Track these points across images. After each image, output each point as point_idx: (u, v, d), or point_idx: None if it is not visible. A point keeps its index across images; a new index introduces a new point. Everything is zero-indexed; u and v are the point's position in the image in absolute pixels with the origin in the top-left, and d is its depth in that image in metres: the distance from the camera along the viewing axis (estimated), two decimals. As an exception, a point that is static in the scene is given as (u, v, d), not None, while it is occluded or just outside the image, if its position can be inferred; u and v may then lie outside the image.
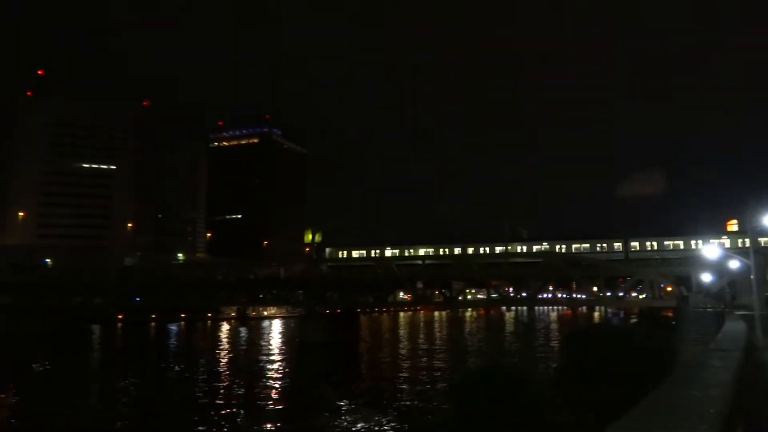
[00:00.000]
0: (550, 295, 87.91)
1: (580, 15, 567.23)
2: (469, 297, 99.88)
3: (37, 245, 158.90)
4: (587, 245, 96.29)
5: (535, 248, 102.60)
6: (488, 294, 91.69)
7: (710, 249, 52.82)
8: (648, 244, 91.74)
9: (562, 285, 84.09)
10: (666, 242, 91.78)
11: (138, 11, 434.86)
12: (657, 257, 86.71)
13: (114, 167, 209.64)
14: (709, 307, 43.89)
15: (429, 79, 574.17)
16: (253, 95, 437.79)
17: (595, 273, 73.51)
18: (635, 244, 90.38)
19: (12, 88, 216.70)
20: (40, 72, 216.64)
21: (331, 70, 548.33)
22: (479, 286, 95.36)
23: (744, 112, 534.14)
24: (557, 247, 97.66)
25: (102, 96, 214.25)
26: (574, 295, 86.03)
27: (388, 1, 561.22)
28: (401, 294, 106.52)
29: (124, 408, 36.90)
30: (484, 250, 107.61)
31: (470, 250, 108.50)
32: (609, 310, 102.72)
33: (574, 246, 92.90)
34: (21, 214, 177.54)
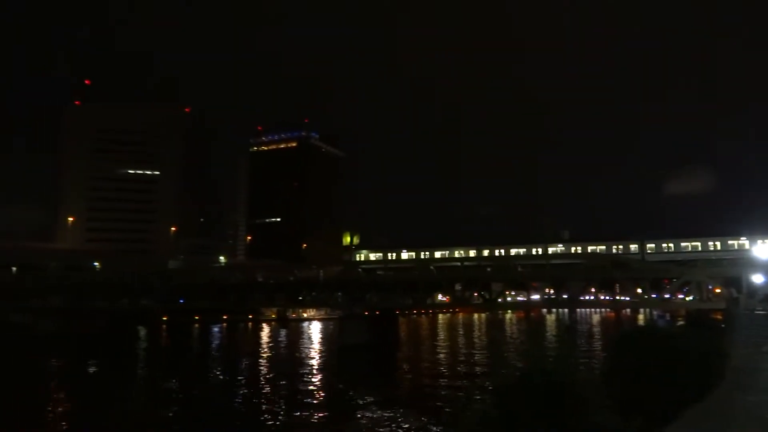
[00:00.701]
0: (592, 297, 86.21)
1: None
2: (508, 299, 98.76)
3: (86, 249, 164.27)
4: (635, 246, 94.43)
5: (573, 249, 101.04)
6: (528, 296, 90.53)
7: (762, 249, 50.95)
8: (690, 244, 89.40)
9: (605, 286, 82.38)
10: (710, 243, 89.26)
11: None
12: (703, 258, 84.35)
13: (158, 172, 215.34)
14: (761, 310, 42.32)
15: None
16: (283, 99, 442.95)
17: (640, 274, 71.74)
18: (685, 244, 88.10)
19: (60, 96, 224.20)
20: (86, 81, 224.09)
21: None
22: (519, 288, 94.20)
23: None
24: (598, 248, 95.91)
25: (139, 100, 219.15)
26: (617, 297, 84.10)
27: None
28: (440, 296, 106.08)
29: (170, 406, 37.77)
30: (525, 252, 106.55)
31: (510, 252, 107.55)
32: (655, 312, 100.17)
33: (614, 247, 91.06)
34: (71, 219, 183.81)
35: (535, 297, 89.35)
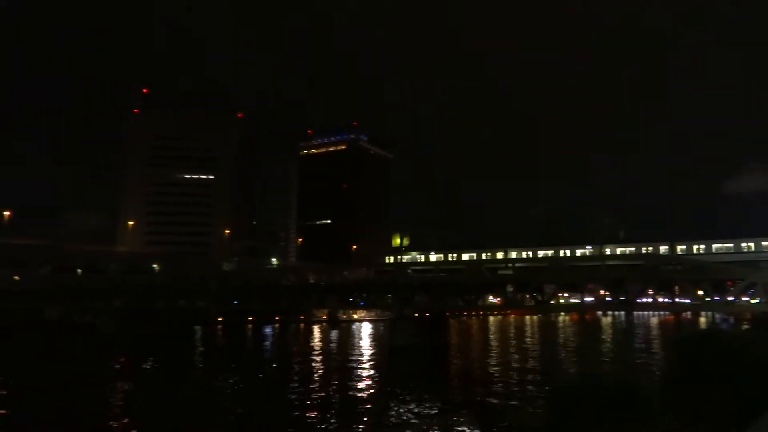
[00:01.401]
0: (650, 300, 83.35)
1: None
2: (561, 301, 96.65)
3: (145, 252, 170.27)
4: (698, 246, 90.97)
5: (629, 250, 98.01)
6: (582, 298, 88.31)
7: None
8: (751, 244, 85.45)
9: (664, 288, 79.49)
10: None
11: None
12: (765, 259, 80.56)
13: (212, 177, 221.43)
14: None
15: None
16: (333, 101, 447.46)
17: (701, 275, 68.91)
18: (750, 245, 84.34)
19: (118, 105, 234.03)
20: (144, 90, 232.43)
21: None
22: (572, 290, 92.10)
23: None
24: (656, 248, 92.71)
25: (193, 106, 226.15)
26: (676, 300, 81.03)
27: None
28: (490, 298, 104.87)
29: (226, 404, 38.63)
30: (579, 252, 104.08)
31: (563, 253, 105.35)
32: (717, 315, 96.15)
33: (679, 247, 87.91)
34: (131, 223, 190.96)
35: (590, 299, 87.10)
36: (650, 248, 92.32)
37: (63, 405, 38.10)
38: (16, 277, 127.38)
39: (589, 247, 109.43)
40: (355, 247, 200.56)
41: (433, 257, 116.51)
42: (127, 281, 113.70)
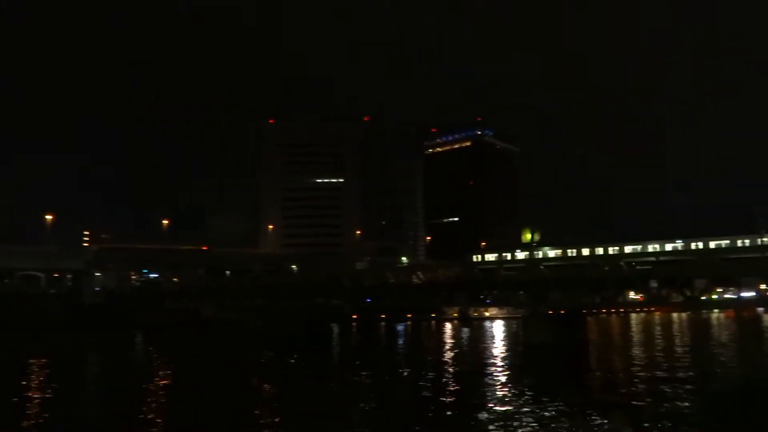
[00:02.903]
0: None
1: None
2: (714, 297, 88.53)
3: (284, 253, 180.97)
4: None
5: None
6: (738, 293, 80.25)
7: None
8: None
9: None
10: None
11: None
12: None
13: (342, 180, 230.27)
14: None
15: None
16: (456, 99, 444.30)
17: None
18: None
19: (256, 117, 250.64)
20: (278, 102, 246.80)
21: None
22: (726, 285, 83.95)
23: None
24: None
25: (323, 113, 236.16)
26: None
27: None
28: (631, 294, 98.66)
29: (363, 399, 39.93)
30: (729, 244, 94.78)
31: (712, 244, 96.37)
32: None
33: None
34: (270, 227, 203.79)
35: (748, 294, 78.99)
36: None
37: (221, 395, 41.62)
38: (175, 279, 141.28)
39: (747, 240, 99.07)
40: (483, 243, 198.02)
41: (564, 252, 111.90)
42: (269, 281, 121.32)
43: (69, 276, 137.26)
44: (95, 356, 74.97)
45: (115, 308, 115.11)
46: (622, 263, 79.73)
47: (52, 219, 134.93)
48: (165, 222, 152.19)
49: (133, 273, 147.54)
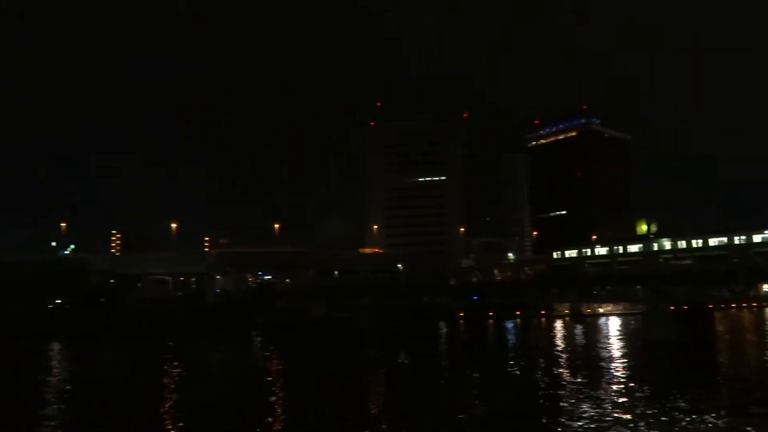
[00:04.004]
0: None
1: None
2: None
3: (389, 253, 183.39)
4: None
5: None
6: None
7: None
8: None
9: None
10: None
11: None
12: None
13: (444, 178, 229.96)
14: None
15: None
16: (558, 89, 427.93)
17: None
18: None
19: (357, 120, 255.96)
20: (377, 104, 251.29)
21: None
22: None
23: None
24: None
25: (420, 113, 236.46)
26: None
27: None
28: (765, 287, 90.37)
29: (472, 399, 39.58)
30: None
31: None
32: None
33: None
34: (374, 227, 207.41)
35: None
36: None
37: (334, 393, 43.02)
38: (287, 280, 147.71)
39: None
40: (594, 237, 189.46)
41: (685, 243, 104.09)
42: (375, 281, 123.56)
43: (193, 279, 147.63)
44: (221, 355, 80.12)
45: (233, 309, 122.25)
46: (752, 254, 73.35)
47: (176, 227, 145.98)
48: (276, 225, 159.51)
49: (249, 275, 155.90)
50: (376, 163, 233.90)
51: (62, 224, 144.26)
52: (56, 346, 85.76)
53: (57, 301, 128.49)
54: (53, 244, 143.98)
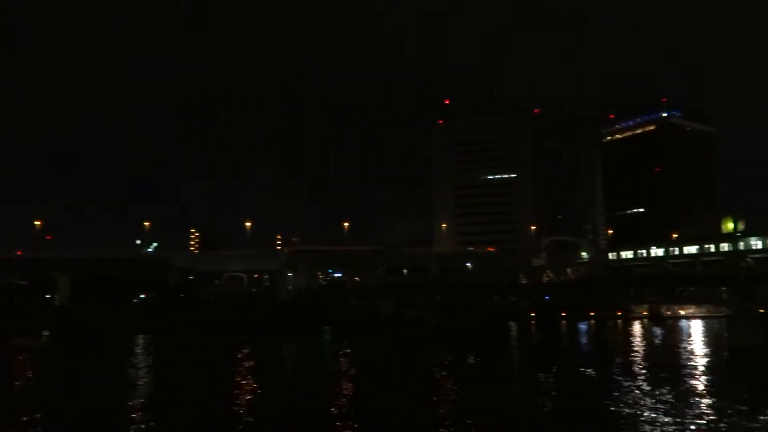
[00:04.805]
0: None
1: None
2: None
3: (458, 251, 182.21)
4: None
5: None
6: None
7: None
8: None
9: None
10: None
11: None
12: None
13: (514, 175, 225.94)
14: None
15: None
16: (635, 81, 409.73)
17: None
18: None
19: (428, 119, 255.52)
20: (446, 101, 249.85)
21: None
22: None
23: None
24: None
25: (488, 109, 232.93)
26: None
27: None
28: None
29: (544, 402, 38.81)
30: None
31: None
32: None
33: None
34: (443, 225, 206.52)
35: None
36: None
37: (406, 395, 43.32)
38: (357, 278, 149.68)
39: None
40: (675, 235, 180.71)
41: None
42: (445, 279, 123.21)
43: (266, 276, 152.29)
44: (296, 351, 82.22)
45: (305, 306, 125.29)
46: None
47: (251, 225, 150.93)
48: (346, 224, 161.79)
49: (320, 273, 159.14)
50: (445, 161, 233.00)
51: (146, 223, 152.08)
52: (140, 339, 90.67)
53: (141, 296, 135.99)
54: (138, 242, 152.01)
